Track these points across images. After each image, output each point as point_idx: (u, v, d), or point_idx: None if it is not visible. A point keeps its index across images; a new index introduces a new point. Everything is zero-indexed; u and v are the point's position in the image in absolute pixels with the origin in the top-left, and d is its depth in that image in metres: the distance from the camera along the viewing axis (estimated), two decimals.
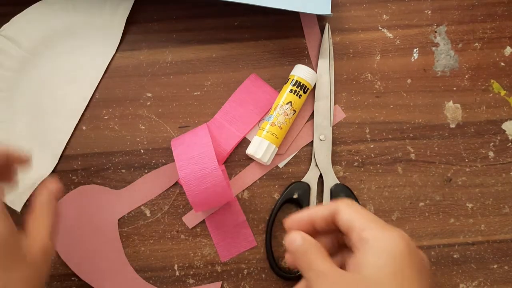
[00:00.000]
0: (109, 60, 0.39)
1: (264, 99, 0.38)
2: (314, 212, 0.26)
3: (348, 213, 0.24)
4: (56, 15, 0.39)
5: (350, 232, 0.24)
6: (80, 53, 0.39)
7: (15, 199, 0.36)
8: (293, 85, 0.36)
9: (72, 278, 0.37)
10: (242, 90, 0.39)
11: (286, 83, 0.37)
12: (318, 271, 0.23)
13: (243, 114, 0.38)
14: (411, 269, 0.22)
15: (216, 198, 0.33)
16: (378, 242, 0.23)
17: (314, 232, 0.26)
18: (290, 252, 0.25)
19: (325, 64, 0.38)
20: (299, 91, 0.36)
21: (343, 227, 0.24)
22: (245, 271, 0.37)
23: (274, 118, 0.36)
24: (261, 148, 0.36)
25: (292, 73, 0.37)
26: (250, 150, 0.36)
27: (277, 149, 0.37)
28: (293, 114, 0.36)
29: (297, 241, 0.24)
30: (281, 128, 0.36)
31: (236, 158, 0.38)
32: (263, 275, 0.37)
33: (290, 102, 0.36)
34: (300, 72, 0.37)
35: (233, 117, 0.38)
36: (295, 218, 0.26)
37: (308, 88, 0.37)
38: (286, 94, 0.36)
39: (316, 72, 0.38)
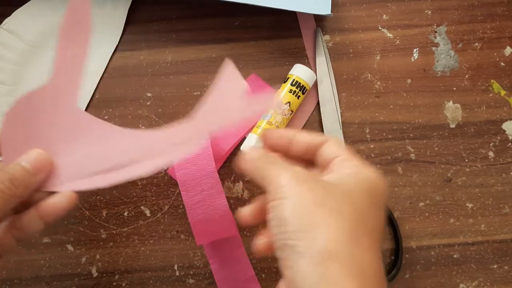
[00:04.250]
0: (112, 51, 0.39)
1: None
2: (299, 136, 0.25)
3: (336, 147, 0.24)
4: (57, 9, 0.39)
5: (328, 163, 0.23)
6: None
7: None
8: (292, 85, 0.36)
9: (73, 278, 0.37)
10: None
11: (285, 82, 0.37)
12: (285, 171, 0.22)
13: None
14: (371, 203, 0.22)
15: (211, 202, 0.33)
16: (355, 171, 0.22)
17: (284, 157, 0.25)
18: (247, 163, 0.24)
19: (323, 69, 0.39)
20: (298, 92, 0.36)
21: (322, 159, 0.24)
22: None
23: (271, 117, 0.36)
24: (250, 144, 0.36)
25: (291, 72, 0.37)
26: (245, 147, 0.36)
27: None
28: (290, 114, 0.37)
29: (254, 152, 0.24)
30: (278, 128, 0.36)
31: (236, 158, 0.38)
32: (263, 275, 0.37)
33: (289, 102, 0.36)
34: (299, 72, 0.37)
35: None
36: (276, 133, 0.26)
37: (306, 89, 0.37)
38: (284, 93, 0.36)
39: (315, 73, 0.39)
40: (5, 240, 0.26)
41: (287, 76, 0.37)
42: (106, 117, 0.39)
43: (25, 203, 0.26)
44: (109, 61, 0.39)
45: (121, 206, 0.38)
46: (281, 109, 0.36)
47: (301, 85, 0.36)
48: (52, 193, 0.27)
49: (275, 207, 0.21)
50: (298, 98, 0.37)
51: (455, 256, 0.37)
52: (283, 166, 0.23)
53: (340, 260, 0.19)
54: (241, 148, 0.37)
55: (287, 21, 0.40)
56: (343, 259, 0.19)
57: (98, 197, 0.38)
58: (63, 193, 0.27)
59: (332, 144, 0.24)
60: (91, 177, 0.28)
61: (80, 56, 0.29)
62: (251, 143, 0.36)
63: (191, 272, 0.37)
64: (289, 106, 0.36)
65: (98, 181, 0.28)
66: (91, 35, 0.29)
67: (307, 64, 0.39)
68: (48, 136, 0.28)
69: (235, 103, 0.28)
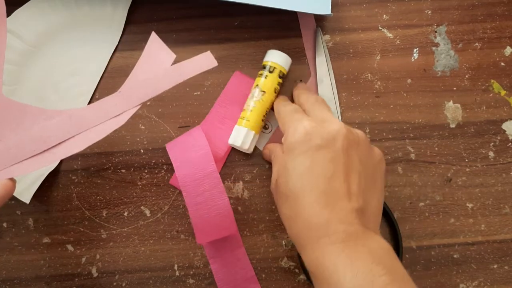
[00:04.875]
0: (112, 51, 0.39)
1: None
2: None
3: (279, 122, 0.33)
4: (57, 9, 0.39)
5: None
6: (82, 46, 0.39)
7: (24, 191, 0.36)
8: (261, 70, 0.37)
9: (73, 278, 0.37)
10: (229, 89, 0.39)
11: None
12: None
13: (234, 113, 0.38)
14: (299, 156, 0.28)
15: (213, 202, 0.33)
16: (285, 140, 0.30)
17: None
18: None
19: (323, 69, 0.39)
20: (264, 73, 0.37)
21: None
22: None
23: (245, 105, 0.37)
24: (234, 135, 0.36)
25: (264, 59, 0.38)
26: (233, 141, 0.36)
27: (253, 132, 0.36)
28: (262, 94, 0.36)
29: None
30: (252, 111, 0.36)
31: (236, 158, 0.38)
32: (263, 275, 0.37)
33: (257, 85, 0.36)
34: (268, 57, 0.37)
35: (224, 117, 0.38)
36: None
37: (274, 68, 0.37)
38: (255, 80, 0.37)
39: (315, 73, 0.39)
40: None
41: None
42: None
43: None
44: (109, 61, 0.39)
45: (121, 206, 0.38)
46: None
47: (266, 66, 0.37)
48: None
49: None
50: (266, 78, 0.36)
51: (455, 256, 0.37)
52: None
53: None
54: (229, 141, 0.36)
55: (287, 21, 0.40)
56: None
57: (98, 197, 0.38)
58: None
59: (279, 123, 0.34)
60: (26, 161, 0.29)
61: None
62: (240, 135, 0.36)
63: (191, 272, 0.37)
64: (258, 88, 0.36)
65: (34, 164, 0.29)
66: (5, 23, 0.30)
67: (307, 64, 0.39)
68: None
69: (163, 71, 0.30)
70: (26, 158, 0.29)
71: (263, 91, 0.36)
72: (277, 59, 0.37)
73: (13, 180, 0.29)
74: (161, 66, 0.31)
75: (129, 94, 0.31)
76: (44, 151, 0.29)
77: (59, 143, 0.30)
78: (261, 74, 0.37)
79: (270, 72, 0.36)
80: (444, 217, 0.38)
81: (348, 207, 0.27)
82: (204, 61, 0.31)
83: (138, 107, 0.31)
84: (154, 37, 0.31)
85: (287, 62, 0.37)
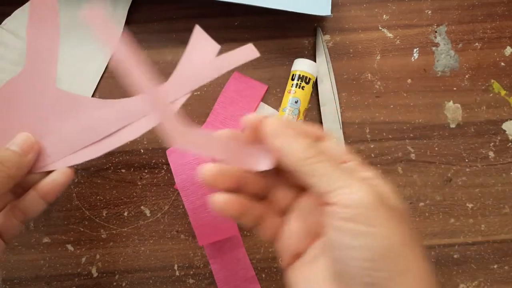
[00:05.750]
0: (112, 51, 0.39)
1: (252, 94, 0.38)
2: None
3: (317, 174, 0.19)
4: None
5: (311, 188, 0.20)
6: (82, 46, 0.39)
7: None
8: (295, 80, 0.37)
9: (73, 278, 0.37)
10: (228, 89, 0.39)
11: (288, 82, 0.37)
12: None
13: (234, 113, 0.38)
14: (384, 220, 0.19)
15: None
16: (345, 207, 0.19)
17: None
18: None
19: (323, 69, 0.39)
20: (300, 83, 0.37)
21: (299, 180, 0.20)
22: None
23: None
24: None
25: (292, 69, 0.38)
26: None
27: None
28: (299, 106, 0.37)
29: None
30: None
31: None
32: (263, 275, 0.37)
33: (296, 97, 0.37)
34: (298, 66, 0.37)
35: (224, 117, 0.38)
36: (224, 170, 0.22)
37: (310, 79, 0.37)
38: (290, 91, 0.37)
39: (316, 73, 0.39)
40: (9, 224, 0.28)
41: (291, 72, 0.38)
42: None
43: (25, 187, 0.28)
44: (109, 61, 0.39)
45: (121, 206, 0.38)
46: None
47: (302, 76, 0.37)
48: (48, 173, 0.29)
49: (359, 236, 0.18)
50: (303, 89, 0.37)
51: (455, 256, 0.37)
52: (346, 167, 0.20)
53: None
54: None
55: (287, 21, 0.40)
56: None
57: (98, 197, 0.38)
58: (59, 170, 0.29)
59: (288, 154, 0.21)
60: (82, 151, 0.30)
61: (51, 41, 0.31)
62: None
63: (191, 272, 0.37)
64: (296, 99, 0.37)
65: (89, 153, 0.30)
66: (58, 20, 0.31)
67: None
68: (32, 119, 0.30)
69: (208, 62, 0.31)
70: (81, 148, 0.30)
71: (299, 101, 0.37)
72: (311, 70, 0.37)
73: (72, 168, 0.30)
74: (206, 57, 0.32)
75: (177, 83, 0.31)
76: (99, 140, 0.30)
77: (113, 132, 0.30)
78: (297, 85, 0.37)
79: (307, 83, 0.37)
80: (444, 217, 0.38)
81: None
82: (247, 52, 0.32)
83: (188, 96, 0.31)
84: (198, 30, 0.32)
85: (315, 71, 0.38)
